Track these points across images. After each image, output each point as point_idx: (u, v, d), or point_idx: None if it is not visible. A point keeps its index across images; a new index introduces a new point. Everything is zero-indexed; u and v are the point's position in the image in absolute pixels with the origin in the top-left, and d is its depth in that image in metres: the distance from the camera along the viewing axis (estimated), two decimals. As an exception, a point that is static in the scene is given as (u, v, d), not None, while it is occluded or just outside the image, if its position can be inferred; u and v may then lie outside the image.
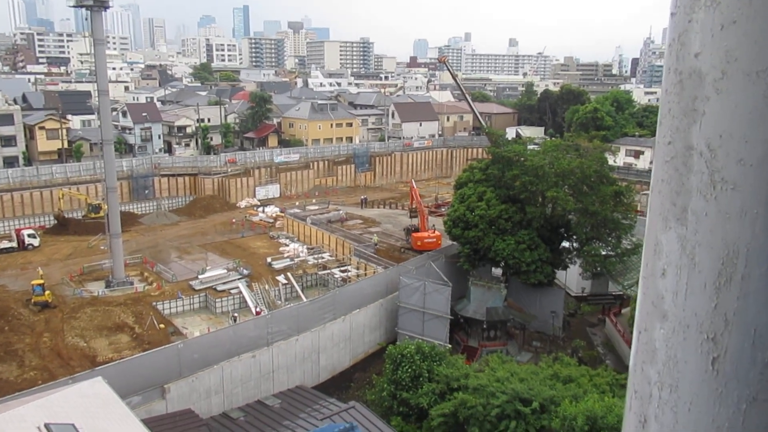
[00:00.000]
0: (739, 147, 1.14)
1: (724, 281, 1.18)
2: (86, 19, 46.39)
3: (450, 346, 40.41)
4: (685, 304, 1.25)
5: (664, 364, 1.31)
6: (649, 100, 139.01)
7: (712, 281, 1.20)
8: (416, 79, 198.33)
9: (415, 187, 58.40)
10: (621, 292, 48.65)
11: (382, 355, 37.06)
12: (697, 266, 1.21)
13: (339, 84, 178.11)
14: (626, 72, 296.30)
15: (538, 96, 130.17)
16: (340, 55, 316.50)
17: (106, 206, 59.71)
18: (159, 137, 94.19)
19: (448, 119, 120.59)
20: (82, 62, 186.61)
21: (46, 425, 16.62)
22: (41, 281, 45.01)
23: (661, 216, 1.29)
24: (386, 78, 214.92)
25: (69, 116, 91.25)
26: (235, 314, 44.32)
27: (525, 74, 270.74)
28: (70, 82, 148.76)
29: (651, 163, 78.06)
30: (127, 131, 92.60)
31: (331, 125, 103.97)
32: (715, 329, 1.21)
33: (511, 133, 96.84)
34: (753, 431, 1.24)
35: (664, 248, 1.28)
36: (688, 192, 1.22)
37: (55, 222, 66.51)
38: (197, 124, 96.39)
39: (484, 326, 43.00)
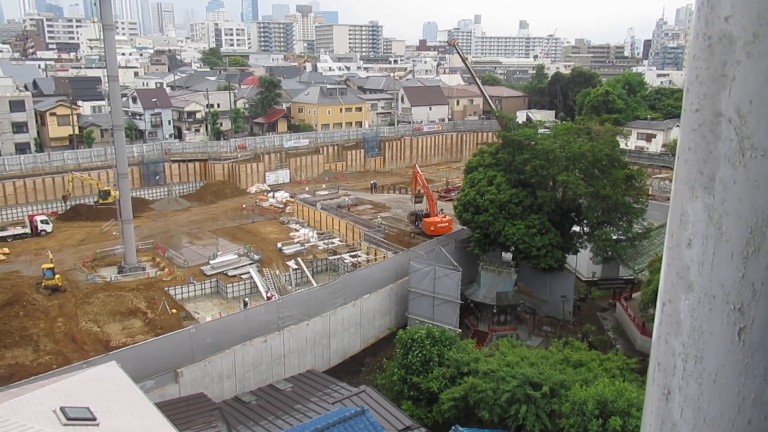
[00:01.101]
0: None
1: (752, 250, 1.16)
2: (95, 4, 46.36)
3: (460, 330, 40.49)
4: (711, 274, 1.23)
5: (689, 335, 1.29)
6: (661, 83, 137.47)
7: (740, 251, 1.17)
8: (426, 62, 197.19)
9: (419, 171, 58.16)
10: (632, 277, 48.45)
11: (392, 340, 37.24)
12: (724, 235, 1.19)
13: (348, 68, 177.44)
14: (638, 54, 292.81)
15: (549, 79, 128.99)
16: (349, 39, 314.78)
17: (115, 192, 60.36)
18: (169, 123, 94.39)
19: (457, 103, 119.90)
20: (91, 48, 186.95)
21: (62, 408, 16.85)
22: (51, 265, 45.54)
23: (688, 185, 1.27)
24: (395, 62, 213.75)
25: (79, 102, 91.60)
26: (246, 299, 44.60)
27: (536, 57, 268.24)
28: (80, 68, 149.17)
29: (663, 146, 77.16)
30: (138, 117, 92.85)
31: (341, 110, 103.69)
32: (742, 299, 1.19)
33: (521, 116, 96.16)
34: None
35: (690, 218, 1.26)
36: (716, 160, 1.19)
37: (66, 207, 67.16)
38: (207, 110, 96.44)
39: (494, 311, 43.02)
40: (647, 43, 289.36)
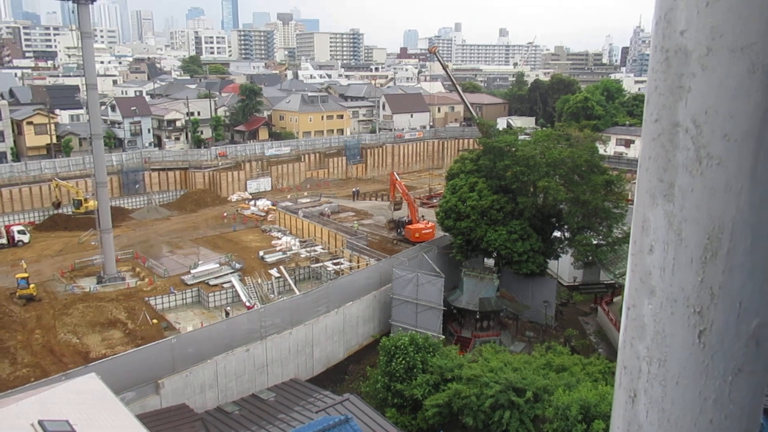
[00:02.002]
0: (724, 122, 1.15)
1: (710, 255, 1.20)
2: (73, 12, 45.94)
3: (443, 337, 40.56)
4: (672, 279, 1.26)
5: (652, 339, 1.33)
6: (639, 89, 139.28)
7: (699, 256, 1.21)
8: (407, 70, 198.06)
9: (398, 179, 58.30)
10: (613, 281, 48.92)
11: (376, 347, 37.16)
12: (683, 241, 1.23)
13: (329, 76, 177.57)
14: (616, 61, 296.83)
15: (529, 86, 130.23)
16: (330, 46, 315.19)
17: (92, 202, 60.00)
18: (149, 131, 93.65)
19: (439, 110, 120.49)
20: (69, 56, 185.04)
21: (40, 422, 16.58)
22: (26, 274, 45.03)
23: (649, 193, 1.31)
24: (377, 69, 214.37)
25: (57, 111, 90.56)
26: (228, 308, 44.28)
27: (515, 64, 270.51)
28: (58, 76, 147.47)
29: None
30: (117, 125, 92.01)
31: (322, 117, 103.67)
32: (701, 303, 1.23)
33: (502, 123, 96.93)
34: (739, 402, 1.26)
35: (651, 225, 1.30)
36: (675, 168, 1.23)
37: (48, 216, 66.64)
38: (187, 118, 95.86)
39: (477, 317, 43.17)
40: (625, 50, 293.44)
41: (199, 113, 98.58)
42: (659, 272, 1.29)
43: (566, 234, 46.86)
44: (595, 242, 44.80)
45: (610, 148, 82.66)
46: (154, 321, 41.66)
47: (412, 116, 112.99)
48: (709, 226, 1.20)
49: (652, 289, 1.32)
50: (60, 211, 67.85)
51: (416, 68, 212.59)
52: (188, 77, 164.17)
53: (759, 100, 1.14)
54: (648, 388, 1.36)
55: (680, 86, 1.21)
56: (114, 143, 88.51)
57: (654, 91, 1.30)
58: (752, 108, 1.14)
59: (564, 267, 52.13)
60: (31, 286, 44.59)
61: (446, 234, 49.37)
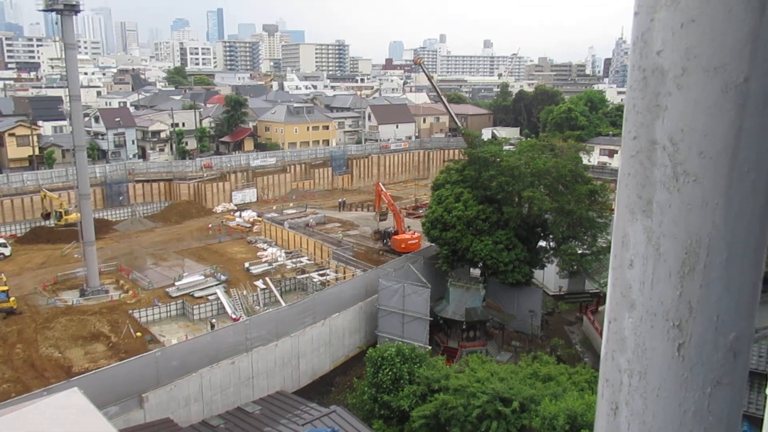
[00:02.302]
0: (700, 140, 1.19)
1: (688, 270, 1.22)
2: (56, 23, 45.69)
3: (430, 347, 40.51)
4: (651, 293, 1.29)
5: (633, 351, 1.35)
6: (621, 100, 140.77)
7: (677, 270, 1.24)
8: (392, 81, 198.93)
9: (383, 189, 58.40)
10: (597, 290, 49.21)
11: (362, 359, 37.03)
12: (662, 256, 1.26)
13: (315, 87, 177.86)
14: (599, 72, 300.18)
15: (513, 97, 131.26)
16: (316, 57, 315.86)
17: (73, 215, 59.62)
18: (133, 142, 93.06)
19: (424, 121, 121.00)
20: (52, 67, 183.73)
21: (21, 437, 16.29)
22: (5, 287, 44.50)
23: (628, 209, 1.33)
24: (362, 80, 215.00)
25: (40, 122, 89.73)
26: (213, 321, 43.93)
27: (500, 75, 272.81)
28: (41, 87, 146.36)
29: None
30: (100, 137, 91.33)
31: (308, 128, 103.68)
32: (680, 316, 1.25)
33: (486, 133, 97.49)
34: (717, 414, 1.29)
35: (631, 240, 1.33)
36: (653, 185, 1.26)
37: (30, 229, 66.02)
38: (172, 129, 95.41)
39: (464, 327, 43.19)
40: (608, 62, 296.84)
41: (183, 124, 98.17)
42: (639, 286, 1.32)
43: (551, 243, 47.11)
44: (579, 252, 45.08)
45: (593, 158, 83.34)
46: (138, 334, 41.21)
47: (397, 127, 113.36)
48: (687, 242, 1.23)
49: (632, 302, 1.34)
50: (44, 223, 67.08)
51: (402, 79, 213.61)
52: (173, 88, 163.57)
53: (732, 118, 1.17)
54: (629, 401, 1.39)
55: (657, 105, 1.24)
56: (98, 155, 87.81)
57: (632, 109, 1.33)
58: (726, 126, 1.17)
59: (549, 276, 52.37)
60: (11, 299, 43.99)
61: (432, 244, 49.44)
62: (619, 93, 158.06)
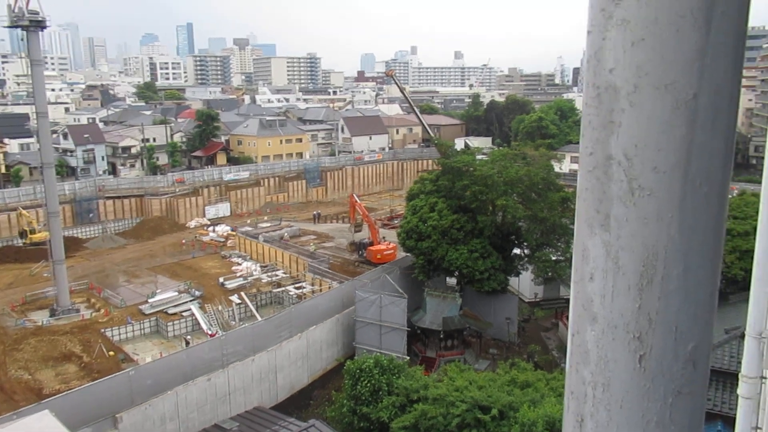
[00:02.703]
0: (653, 155, 1.22)
1: (646, 282, 1.25)
2: (22, 39, 44.95)
3: (408, 357, 40.46)
4: (612, 306, 1.31)
5: (596, 364, 1.38)
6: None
7: (635, 283, 1.27)
8: (364, 93, 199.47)
9: (357, 201, 58.40)
10: (572, 296, 49.73)
11: (340, 371, 36.82)
12: (621, 269, 1.28)
13: (287, 100, 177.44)
14: (568, 81, 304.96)
15: (485, 107, 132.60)
16: (288, 70, 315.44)
17: (40, 234, 58.66)
18: (103, 159, 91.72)
19: (397, 132, 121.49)
20: (18, 84, 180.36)
21: (-10, 464, 15.84)
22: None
23: (587, 223, 1.36)
24: (335, 93, 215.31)
25: (6, 140, 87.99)
26: (188, 337, 43.31)
27: (471, 86, 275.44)
28: (6, 104, 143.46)
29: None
30: (69, 153, 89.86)
31: (281, 141, 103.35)
32: (640, 328, 1.28)
33: (459, 143, 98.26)
34: (679, 423, 1.31)
35: (590, 254, 1.35)
36: (610, 199, 1.29)
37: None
38: (142, 144, 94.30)
39: (441, 336, 43.26)
40: (576, 71, 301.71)
41: (154, 139, 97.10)
42: (600, 299, 1.34)
43: (526, 251, 47.55)
44: (554, 258, 45.58)
45: (565, 165, 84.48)
46: (111, 353, 40.42)
47: (371, 138, 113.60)
48: (644, 255, 1.25)
49: (594, 315, 1.36)
50: (12, 242, 65.67)
51: (374, 91, 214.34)
52: (143, 103, 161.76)
53: (684, 134, 1.20)
54: (594, 413, 1.40)
55: (611, 121, 1.27)
56: (66, 172, 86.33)
57: (588, 125, 1.36)
58: (678, 142, 1.21)
59: (525, 284, 52.79)
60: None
61: (408, 254, 49.53)
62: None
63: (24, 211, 66.66)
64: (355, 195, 61.34)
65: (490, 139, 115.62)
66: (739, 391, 7.86)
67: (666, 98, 1.20)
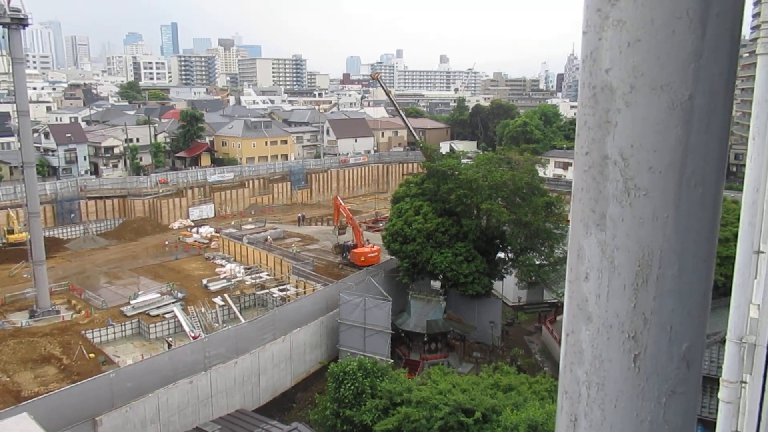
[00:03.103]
0: (649, 155, 1.22)
1: (642, 282, 1.25)
2: (3, 37, 44.36)
3: (392, 360, 40.43)
4: (607, 305, 1.32)
5: (590, 363, 1.38)
6: (574, 114, 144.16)
7: (631, 283, 1.27)
8: (350, 95, 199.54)
9: (341, 203, 58.34)
10: (555, 300, 50.04)
11: (323, 374, 36.68)
12: (616, 269, 1.28)
13: (272, 101, 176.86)
14: (552, 87, 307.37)
15: (470, 111, 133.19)
16: (273, 72, 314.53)
17: (17, 234, 57.92)
18: (85, 159, 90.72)
19: (382, 135, 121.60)
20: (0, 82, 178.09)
21: (-34, 468, 15.56)
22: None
23: (582, 223, 1.36)
24: (320, 95, 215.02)
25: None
26: (170, 339, 42.94)
27: (456, 90, 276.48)
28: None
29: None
30: (51, 153, 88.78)
31: (266, 143, 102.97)
32: (635, 328, 1.28)
33: (444, 147, 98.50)
34: (673, 423, 1.32)
35: (586, 253, 1.35)
36: (606, 199, 1.29)
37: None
38: (125, 145, 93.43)
39: (425, 339, 43.29)
40: (560, 77, 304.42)
41: (138, 140, 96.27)
42: (595, 299, 1.34)
43: (510, 255, 47.78)
44: (537, 262, 45.83)
45: (549, 170, 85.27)
46: (92, 355, 39.94)
47: (356, 141, 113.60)
48: (640, 254, 1.26)
49: (588, 315, 1.36)
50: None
51: (359, 94, 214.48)
52: (126, 103, 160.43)
53: (679, 134, 1.21)
54: (588, 412, 1.41)
55: (607, 121, 1.28)
56: (48, 171, 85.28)
57: (584, 126, 1.36)
58: (673, 142, 1.21)
59: (509, 287, 53.01)
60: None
61: (393, 257, 49.53)
62: (572, 107, 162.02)
63: (11, 212, 65.74)
64: (339, 197, 61.24)
65: (475, 143, 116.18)
66: (719, 395, 7.94)
67: (662, 99, 1.20)
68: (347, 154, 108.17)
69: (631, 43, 1.22)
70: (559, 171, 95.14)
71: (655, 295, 1.26)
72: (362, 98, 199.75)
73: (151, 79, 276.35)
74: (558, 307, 50.24)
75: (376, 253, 53.67)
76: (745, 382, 7.71)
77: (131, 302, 48.47)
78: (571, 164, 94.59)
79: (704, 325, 1.32)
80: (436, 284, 49.02)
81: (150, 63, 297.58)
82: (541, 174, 54.16)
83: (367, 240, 56.66)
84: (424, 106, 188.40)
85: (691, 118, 1.22)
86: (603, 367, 1.36)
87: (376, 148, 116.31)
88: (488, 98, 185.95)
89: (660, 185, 1.23)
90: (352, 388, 31.89)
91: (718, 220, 1.26)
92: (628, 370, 1.32)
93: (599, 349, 1.36)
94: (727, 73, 1.20)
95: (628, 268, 1.28)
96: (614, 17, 1.24)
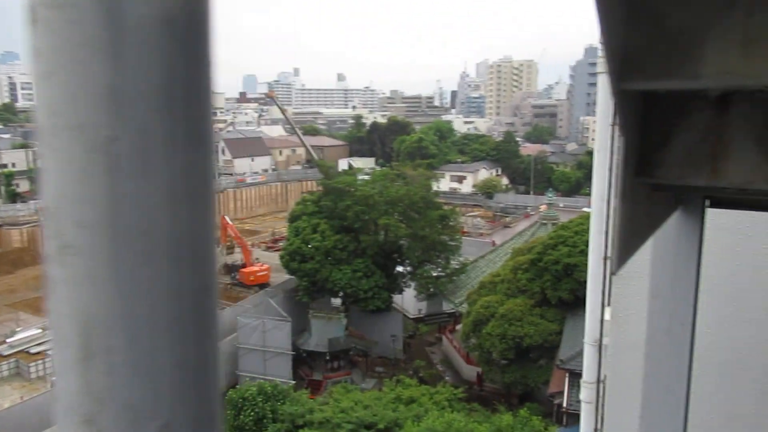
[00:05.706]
0: (74, 207, 0.93)
1: (89, 355, 0.93)
2: None
3: (294, 382, 39.74)
4: (60, 383, 0.97)
5: None
6: (467, 129, 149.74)
7: (80, 357, 0.94)
8: (246, 114, 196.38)
9: (229, 222, 57.13)
10: (454, 310, 51.23)
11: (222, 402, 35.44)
12: (66, 341, 0.95)
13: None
14: (446, 103, 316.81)
15: (368, 128, 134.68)
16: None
17: None
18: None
19: (280, 153, 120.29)
20: None
21: None
22: None
23: (50, 286, 1.03)
24: (215, 114, 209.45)
25: None
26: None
27: (354, 107, 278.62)
28: None
29: (473, 186, 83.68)
30: None
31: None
32: (90, 410, 0.94)
33: (343, 164, 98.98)
34: None
35: (53, 323, 1.03)
36: (49, 259, 0.96)
37: None
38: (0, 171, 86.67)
39: (327, 358, 42.96)
40: (454, 94, 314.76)
41: (14, 165, 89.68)
42: (59, 381, 1.01)
43: (408, 268, 48.53)
44: (435, 274, 46.84)
45: (445, 184, 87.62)
46: (-38, 402, 36.44)
47: (253, 160, 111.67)
48: (82, 323, 0.96)
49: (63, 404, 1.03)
50: None
51: (256, 112, 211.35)
52: (1, 126, 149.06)
53: (105, 182, 0.94)
54: None
55: (41, 167, 0.96)
56: None
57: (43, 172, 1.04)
58: (99, 191, 0.94)
59: (408, 300, 53.69)
60: None
61: (292, 277, 48.92)
62: (466, 123, 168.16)
63: None
64: (226, 216, 59.79)
65: (373, 159, 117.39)
66: (581, 396, 8.39)
67: (80, 141, 0.94)
68: (244, 173, 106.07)
69: (45, 76, 0.94)
70: (455, 184, 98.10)
71: (106, 370, 0.95)
72: (259, 117, 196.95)
73: (30, 99, 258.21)
74: (457, 317, 51.46)
75: (266, 272, 52.78)
76: (603, 382, 8.19)
77: (8, 340, 44.83)
78: (465, 177, 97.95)
79: (187, 398, 0.98)
80: (336, 302, 48.82)
81: (29, 83, 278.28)
82: (435, 188, 55.51)
83: (257, 258, 55.69)
84: (322, 124, 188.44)
85: (118, 163, 0.93)
86: None
87: (274, 167, 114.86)
88: (385, 115, 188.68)
89: (90, 242, 0.94)
90: (252, 414, 31.03)
91: (185, 276, 0.95)
92: None
93: None
94: (167, 110, 0.90)
95: (75, 339, 0.97)
96: (33, 45, 0.96)
